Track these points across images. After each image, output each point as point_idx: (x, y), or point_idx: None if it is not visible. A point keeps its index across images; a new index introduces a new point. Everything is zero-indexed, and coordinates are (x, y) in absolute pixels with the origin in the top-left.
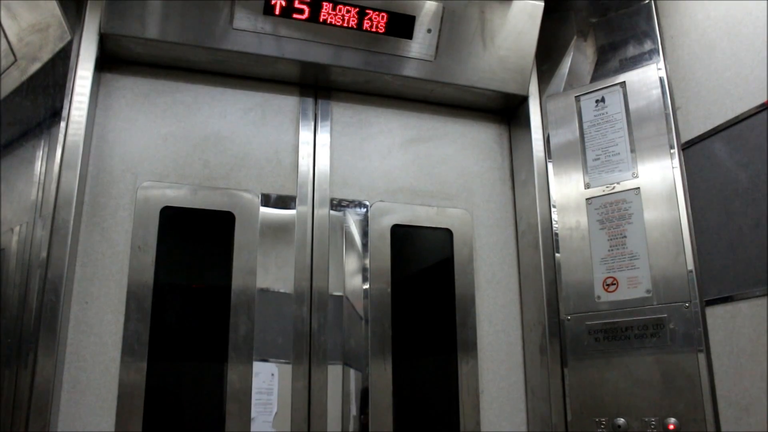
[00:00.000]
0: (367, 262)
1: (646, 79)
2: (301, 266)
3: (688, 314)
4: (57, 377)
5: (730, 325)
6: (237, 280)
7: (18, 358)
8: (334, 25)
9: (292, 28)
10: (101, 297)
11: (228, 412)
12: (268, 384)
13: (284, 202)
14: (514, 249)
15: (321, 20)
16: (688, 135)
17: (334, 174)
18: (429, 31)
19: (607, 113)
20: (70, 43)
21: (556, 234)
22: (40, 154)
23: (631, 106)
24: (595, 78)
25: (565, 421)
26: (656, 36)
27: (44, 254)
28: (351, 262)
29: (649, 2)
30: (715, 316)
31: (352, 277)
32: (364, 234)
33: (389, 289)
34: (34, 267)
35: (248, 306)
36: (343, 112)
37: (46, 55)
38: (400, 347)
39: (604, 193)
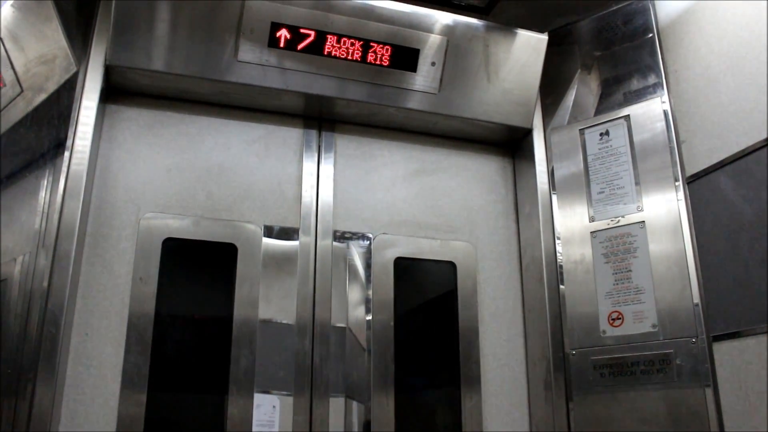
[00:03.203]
0: (370, 294)
1: (650, 112)
2: (304, 298)
3: (695, 350)
4: (55, 409)
5: (738, 362)
6: (239, 312)
7: (17, 389)
8: (339, 58)
9: (296, 60)
10: (101, 329)
11: None
12: (269, 416)
13: (287, 233)
14: (518, 282)
15: (325, 53)
16: (693, 168)
17: (337, 206)
18: (433, 64)
19: (611, 146)
20: (75, 75)
21: (561, 267)
22: (44, 184)
23: (636, 139)
24: (599, 111)
25: None
26: (660, 70)
27: (45, 285)
28: (354, 294)
29: (653, 36)
30: (723, 352)
31: (355, 309)
32: (368, 266)
33: (392, 322)
34: (35, 298)
35: (250, 337)
36: (346, 144)
37: (52, 86)
38: (402, 381)
39: (609, 226)
